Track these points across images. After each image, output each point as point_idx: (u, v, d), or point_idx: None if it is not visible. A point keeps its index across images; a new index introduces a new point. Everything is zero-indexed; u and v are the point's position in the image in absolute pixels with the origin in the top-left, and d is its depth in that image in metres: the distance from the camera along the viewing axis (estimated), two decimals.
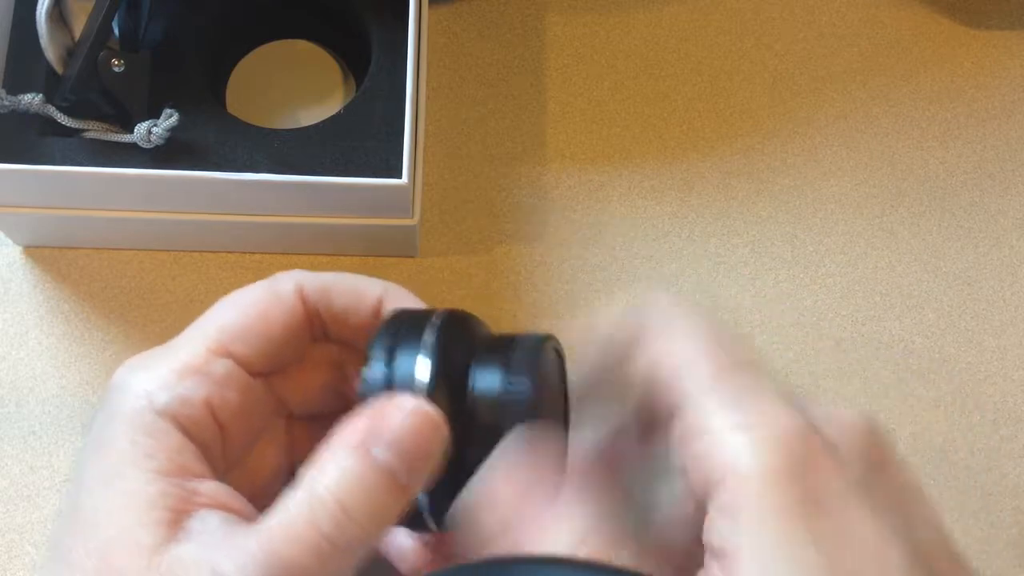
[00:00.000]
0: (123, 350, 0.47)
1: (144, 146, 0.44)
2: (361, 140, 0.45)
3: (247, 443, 0.35)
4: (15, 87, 0.45)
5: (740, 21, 0.54)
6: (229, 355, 0.34)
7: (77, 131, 0.45)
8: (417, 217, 0.46)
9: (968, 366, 0.49)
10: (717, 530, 0.28)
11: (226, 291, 0.48)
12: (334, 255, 0.49)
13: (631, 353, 0.32)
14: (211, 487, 0.32)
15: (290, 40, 0.52)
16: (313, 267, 0.47)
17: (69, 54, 0.45)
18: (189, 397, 0.33)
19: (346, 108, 0.46)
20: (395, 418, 0.29)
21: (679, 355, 0.30)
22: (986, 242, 0.51)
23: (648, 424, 0.32)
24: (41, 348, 0.47)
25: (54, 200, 0.45)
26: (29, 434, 0.46)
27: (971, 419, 0.48)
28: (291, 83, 0.51)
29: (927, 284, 0.48)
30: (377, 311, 0.36)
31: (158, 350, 0.35)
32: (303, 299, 0.35)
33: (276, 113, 0.50)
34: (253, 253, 0.49)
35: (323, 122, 0.46)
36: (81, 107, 0.45)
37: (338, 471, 0.29)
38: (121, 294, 0.48)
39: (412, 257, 0.49)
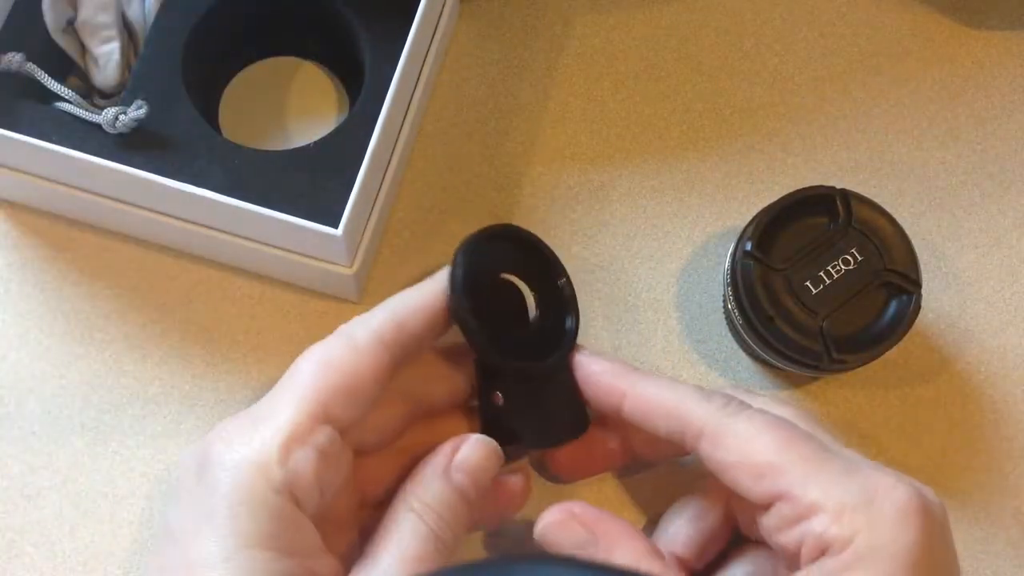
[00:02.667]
0: (123, 350, 0.47)
1: (108, 131, 0.44)
2: (323, 177, 0.44)
3: (334, 496, 0.36)
4: (8, 46, 0.45)
5: (740, 21, 0.54)
6: (329, 420, 0.35)
7: (54, 97, 0.45)
8: (356, 267, 0.45)
9: (968, 366, 0.49)
10: None
11: (225, 293, 0.48)
12: (281, 282, 0.48)
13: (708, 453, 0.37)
14: (326, 562, 0.34)
15: (297, 59, 0.51)
16: (257, 289, 0.48)
17: (69, 23, 0.46)
18: (302, 472, 0.34)
19: (317, 143, 0.45)
20: (468, 450, 0.37)
21: (764, 451, 0.35)
22: (986, 242, 0.51)
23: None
24: (41, 348, 0.47)
25: (14, 163, 0.45)
26: (29, 434, 0.46)
27: (971, 419, 0.48)
28: (291, 102, 0.51)
29: (927, 284, 0.48)
30: (444, 312, 0.39)
31: (247, 417, 0.35)
32: (385, 347, 0.37)
33: (267, 129, 0.50)
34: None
35: (291, 151, 0.45)
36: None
37: (432, 493, 0.36)
38: (121, 294, 0.48)
39: (353, 303, 0.48)
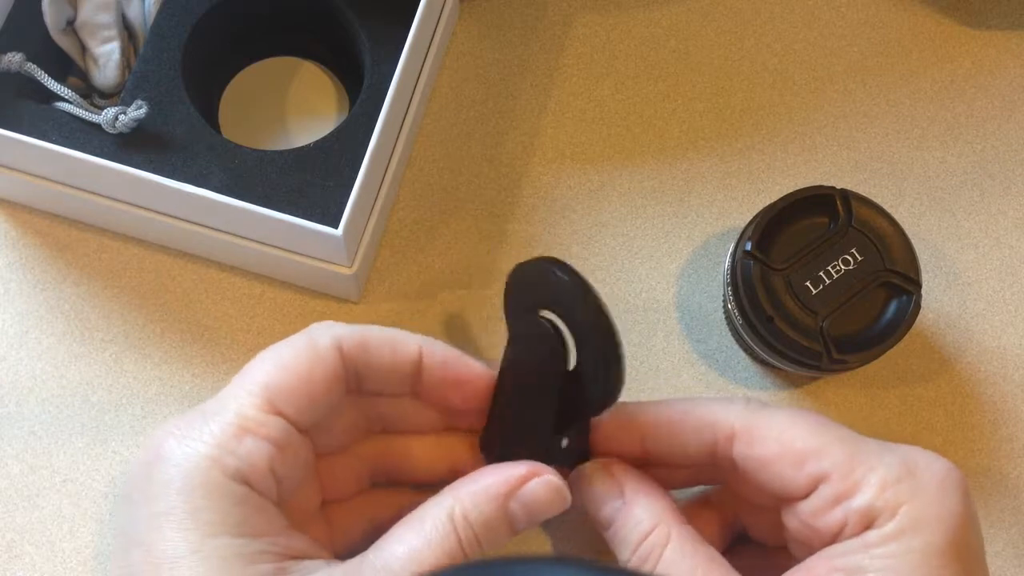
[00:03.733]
0: (123, 350, 0.47)
1: (108, 131, 0.44)
2: (322, 178, 0.44)
3: (294, 490, 0.36)
4: (8, 46, 0.45)
5: (740, 21, 0.54)
6: (279, 414, 0.35)
7: (54, 97, 0.45)
8: (356, 267, 0.45)
9: (968, 366, 0.49)
10: (872, 554, 0.34)
11: (225, 293, 0.48)
12: (281, 282, 0.48)
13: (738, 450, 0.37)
14: (297, 538, 0.34)
15: (297, 59, 0.51)
16: (257, 289, 0.48)
17: (69, 23, 0.46)
18: (254, 458, 0.33)
19: (317, 143, 0.45)
20: (539, 488, 0.36)
21: (802, 438, 0.36)
22: (986, 242, 0.51)
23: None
24: (41, 348, 0.47)
25: (14, 163, 0.45)
26: (29, 434, 0.46)
27: (971, 419, 0.48)
28: (291, 102, 0.51)
29: (927, 284, 0.48)
30: (417, 365, 0.38)
31: (197, 412, 0.35)
32: (342, 355, 0.36)
33: (267, 129, 0.50)
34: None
35: (291, 151, 0.45)
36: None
37: (479, 512, 0.35)
38: (121, 294, 0.48)
39: (353, 303, 0.48)
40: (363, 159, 0.43)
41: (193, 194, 0.42)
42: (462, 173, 0.50)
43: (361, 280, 0.47)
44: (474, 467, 0.38)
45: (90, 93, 0.47)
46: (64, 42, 0.47)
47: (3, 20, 0.46)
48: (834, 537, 0.35)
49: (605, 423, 0.39)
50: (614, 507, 0.37)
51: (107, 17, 0.46)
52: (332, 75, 0.51)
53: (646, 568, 0.35)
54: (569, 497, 0.36)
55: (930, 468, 0.35)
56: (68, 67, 0.48)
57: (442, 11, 0.49)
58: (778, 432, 0.36)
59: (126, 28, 0.48)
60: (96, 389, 0.47)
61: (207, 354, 0.47)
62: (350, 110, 0.47)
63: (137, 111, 0.44)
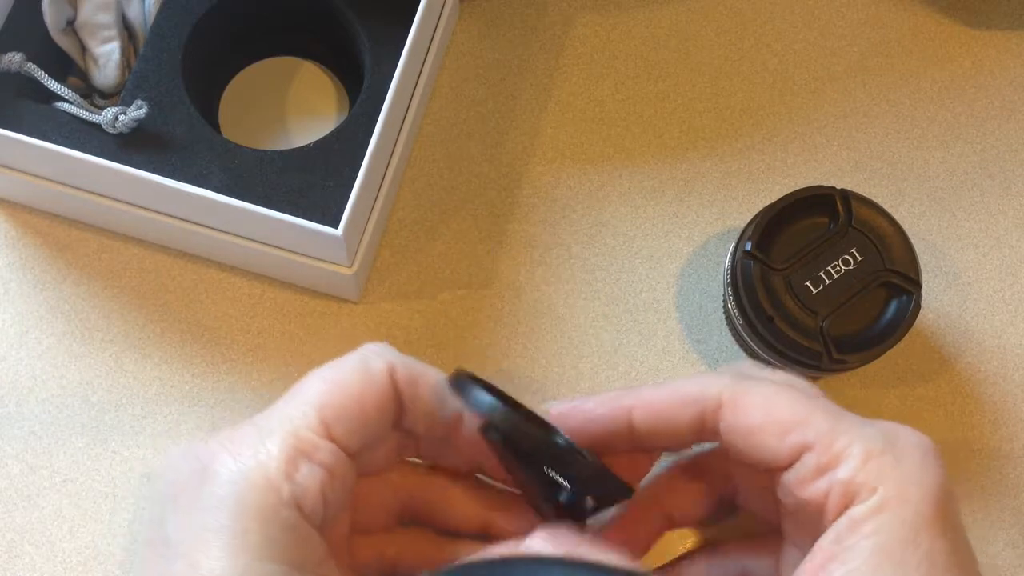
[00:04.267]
0: (123, 350, 0.47)
1: (109, 131, 0.44)
2: (322, 177, 0.44)
3: (335, 515, 0.36)
4: (8, 46, 0.45)
5: (740, 21, 0.54)
6: (332, 439, 0.34)
7: (54, 97, 0.45)
8: (356, 267, 0.45)
9: (968, 366, 0.49)
10: (858, 533, 0.33)
11: (225, 293, 0.48)
12: (281, 282, 0.48)
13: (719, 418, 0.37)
14: (333, 572, 0.34)
15: (297, 59, 0.51)
16: (257, 289, 0.48)
17: (69, 23, 0.46)
18: (309, 487, 0.33)
19: (317, 143, 0.45)
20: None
21: (787, 408, 0.36)
22: (986, 242, 0.51)
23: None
24: (41, 348, 0.47)
25: (14, 163, 0.45)
26: (29, 434, 0.46)
27: (971, 419, 0.48)
28: (291, 102, 0.51)
29: (927, 284, 0.48)
30: (458, 419, 0.37)
31: (253, 427, 0.35)
32: (394, 383, 0.36)
33: (267, 129, 0.50)
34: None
35: (291, 151, 0.45)
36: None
37: None
38: (121, 294, 0.48)
39: (353, 303, 0.48)
40: (363, 159, 0.43)
41: (193, 194, 0.42)
42: (462, 173, 0.50)
43: (361, 280, 0.47)
44: (506, 524, 0.38)
45: (90, 93, 0.47)
46: (64, 42, 0.47)
47: (3, 20, 0.46)
48: (819, 508, 0.35)
49: (592, 409, 0.38)
50: None
51: (107, 17, 0.46)
52: (332, 75, 0.51)
53: None
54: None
55: (910, 440, 0.35)
56: (68, 67, 0.48)
57: (442, 11, 0.49)
58: (762, 401, 0.36)
59: (126, 28, 0.48)
60: (96, 389, 0.47)
61: (207, 354, 0.47)
62: (350, 110, 0.47)
63: (137, 111, 0.44)
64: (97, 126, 0.44)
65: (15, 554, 0.45)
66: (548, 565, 0.29)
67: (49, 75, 0.45)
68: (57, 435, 0.46)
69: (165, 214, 0.45)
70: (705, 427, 0.37)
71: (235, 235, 0.45)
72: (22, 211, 0.49)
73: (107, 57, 0.47)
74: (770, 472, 0.37)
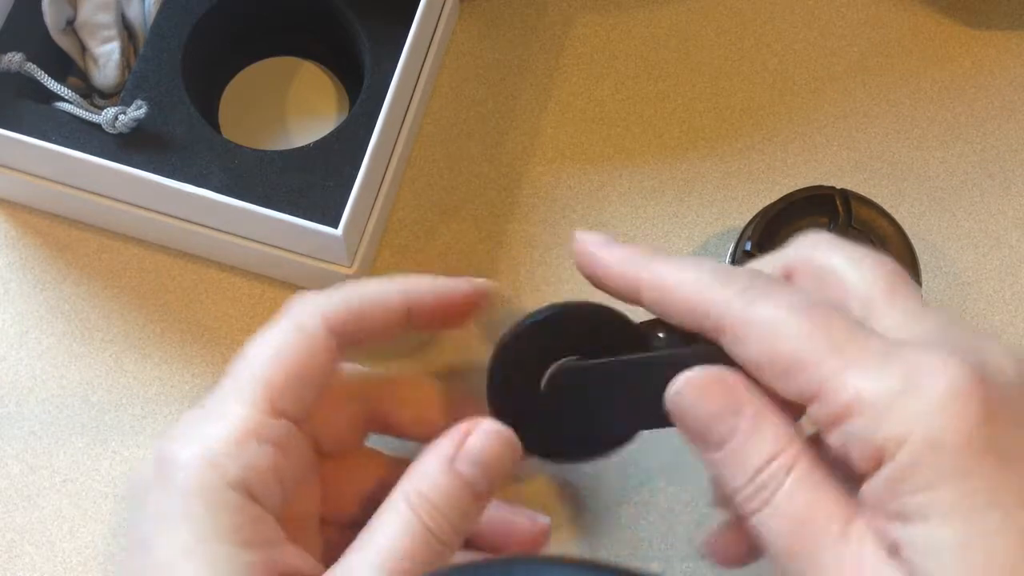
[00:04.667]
0: (123, 350, 0.47)
1: (108, 131, 0.44)
2: (322, 177, 0.44)
3: (295, 490, 0.35)
4: (8, 46, 0.45)
5: (740, 21, 0.54)
6: (282, 414, 0.34)
7: (54, 97, 0.45)
8: (356, 267, 0.45)
9: None
10: (900, 493, 0.28)
11: (225, 293, 0.48)
12: (281, 282, 0.48)
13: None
14: (291, 552, 0.33)
15: (297, 59, 0.51)
16: (257, 289, 0.48)
17: (69, 23, 0.46)
18: (257, 465, 0.33)
19: (317, 143, 0.45)
20: (477, 439, 0.34)
21: (788, 342, 0.30)
22: (986, 242, 0.51)
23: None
24: (41, 348, 0.47)
25: (14, 163, 0.46)
26: (29, 434, 0.46)
27: None
28: (291, 102, 0.51)
29: (927, 284, 0.48)
30: (407, 313, 0.36)
31: (198, 414, 0.34)
32: (333, 333, 0.35)
33: (267, 129, 0.50)
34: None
35: (291, 151, 0.45)
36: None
37: (431, 484, 0.33)
38: (121, 294, 0.48)
39: None
40: (363, 159, 0.43)
41: (193, 194, 0.42)
42: (462, 173, 0.50)
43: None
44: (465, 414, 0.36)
45: (90, 93, 0.47)
46: (64, 42, 0.47)
47: (3, 20, 0.46)
48: (847, 457, 0.30)
49: (608, 267, 0.35)
50: (730, 425, 0.31)
51: (107, 17, 0.46)
52: (332, 75, 0.51)
53: (759, 499, 0.31)
54: (517, 443, 0.34)
55: (936, 378, 0.29)
56: (68, 67, 0.48)
57: (442, 11, 0.49)
58: (765, 332, 0.31)
59: (126, 28, 0.48)
60: (96, 389, 0.47)
61: (207, 354, 0.47)
62: (350, 110, 0.47)
63: (137, 111, 0.44)
64: (97, 126, 0.44)
65: (15, 554, 0.45)
66: (548, 565, 0.29)
67: (49, 75, 0.45)
68: (57, 435, 0.46)
69: (165, 214, 0.45)
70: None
71: (235, 235, 0.45)
72: (22, 211, 0.49)
73: (107, 57, 0.47)
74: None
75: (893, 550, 0.29)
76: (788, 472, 0.30)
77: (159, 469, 0.33)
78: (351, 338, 0.36)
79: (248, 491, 0.33)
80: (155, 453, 0.34)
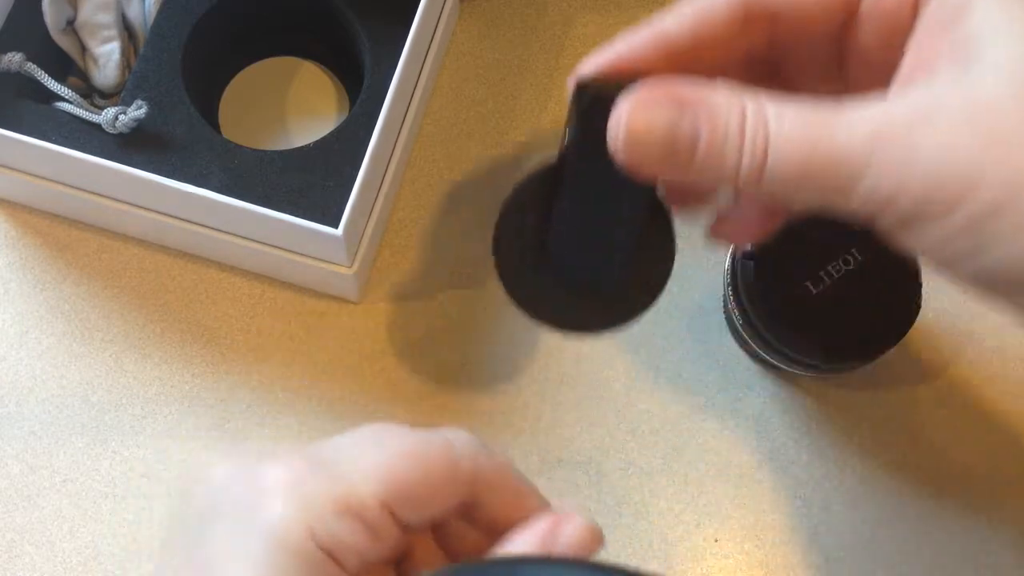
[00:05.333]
0: (123, 350, 0.47)
1: (109, 131, 0.44)
2: (322, 178, 0.44)
3: (374, 564, 0.34)
4: (8, 46, 0.45)
5: None
6: (388, 510, 0.33)
7: (54, 97, 0.45)
8: (356, 267, 0.45)
9: (968, 366, 0.49)
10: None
11: (225, 293, 0.48)
12: (281, 282, 0.48)
13: None
14: None
15: (297, 59, 0.51)
16: (257, 289, 0.48)
17: (69, 23, 0.46)
18: (346, 542, 0.32)
19: (317, 143, 0.45)
20: (568, 530, 0.32)
21: None
22: None
23: None
24: (41, 348, 0.47)
25: (14, 163, 0.46)
26: (29, 434, 0.46)
27: (971, 419, 0.48)
28: (291, 102, 0.51)
29: (927, 284, 0.48)
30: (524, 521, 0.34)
31: (308, 464, 0.33)
32: (473, 480, 0.34)
33: (267, 129, 0.50)
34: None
35: (291, 151, 0.45)
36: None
37: None
38: (121, 294, 0.48)
39: (353, 303, 0.48)
40: (363, 159, 0.43)
41: (193, 194, 0.42)
42: (462, 173, 0.50)
43: (361, 280, 0.47)
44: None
45: (90, 93, 0.47)
46: (64, 42, 0.47)
47: (3, 20, 0.46)
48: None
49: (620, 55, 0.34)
50: (691, 120, 0.30)
51: (107, 17, 0.46)
52: (332, 75, 0.51)
53: (757, 154, 0.29)
54: (602, 535, 0.33)
55: None
56: (68, 67, 0.48)
57: (442, 11, 0.49)
58: None
59: (126, 28, 0.48)
60: (96, 389, 0.47)
61: (207, 354, 0.47)
62: (350, 110, 0.47)
63: (137, 111, 0.44)
64: (97, 126, 0.44)
65: (15, 554, 0.45)
66: (548, 565, 0.29)
67: (49, 75, 0.45)
68: (57, 435, 0.46)
69: (165, 214, 0.45)
70: None
71: (235, 235, 0.45)
72: (22, 211, 0.49)
73: (107, 57, 0.47)
74: None
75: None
76: (768, 121, 0.29)
77: (251, 506, 0.33)
78: (480, 500, 0.34)
79: (332, 554, 0.33)
80: (249, 484, 0.33)
